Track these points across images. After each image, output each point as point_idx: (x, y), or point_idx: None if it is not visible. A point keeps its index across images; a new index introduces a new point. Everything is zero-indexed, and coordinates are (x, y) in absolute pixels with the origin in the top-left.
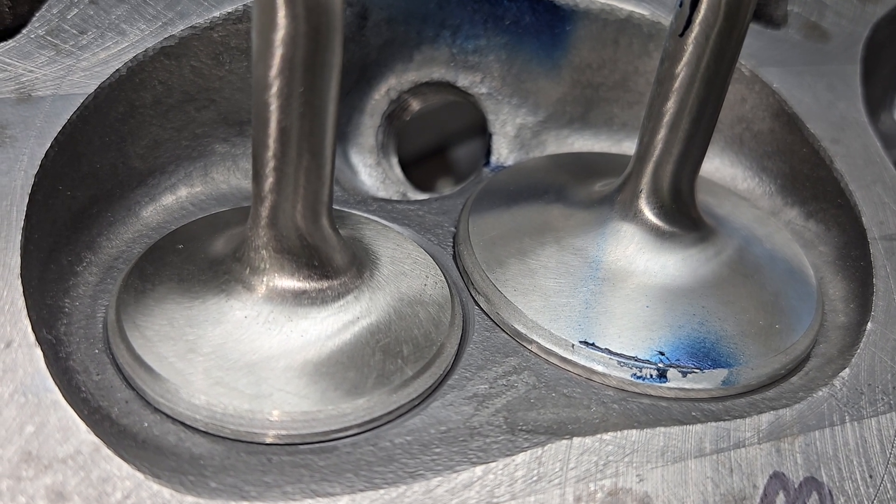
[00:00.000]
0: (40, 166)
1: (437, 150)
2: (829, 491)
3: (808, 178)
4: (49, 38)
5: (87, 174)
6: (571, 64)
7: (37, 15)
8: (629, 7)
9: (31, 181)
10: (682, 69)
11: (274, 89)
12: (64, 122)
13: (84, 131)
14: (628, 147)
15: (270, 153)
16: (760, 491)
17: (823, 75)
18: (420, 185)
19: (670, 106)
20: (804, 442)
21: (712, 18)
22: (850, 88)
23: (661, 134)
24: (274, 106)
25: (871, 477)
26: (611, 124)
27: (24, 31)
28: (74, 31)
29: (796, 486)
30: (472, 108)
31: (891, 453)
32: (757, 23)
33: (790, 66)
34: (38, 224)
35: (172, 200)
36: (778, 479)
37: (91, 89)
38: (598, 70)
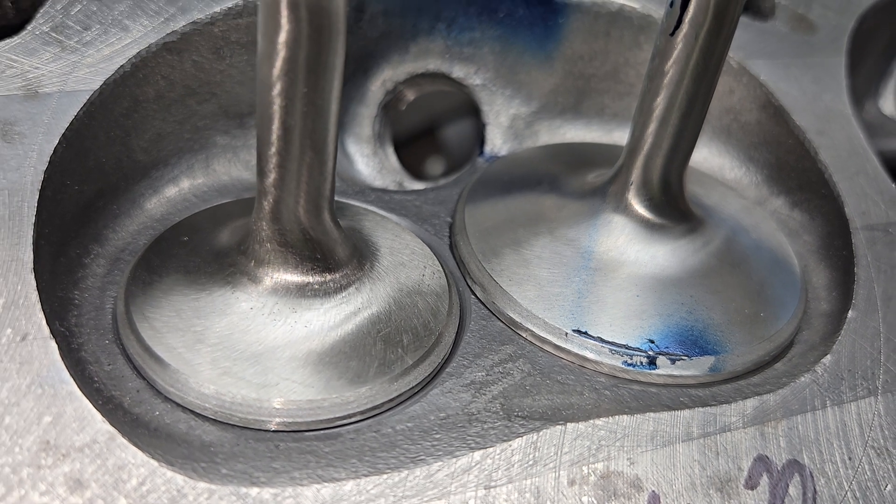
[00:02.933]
0: (49, 162)
1: (426, 131)
2: (811, 473)
3: (793, 168)
4: (53, 34)
5: (94, 168)
6: (564, 55)
7: (40, 11)
8: (620, 0)
9: (41, 177)
10: (671, 66)
11: (278, 89)
12: (71, 118)
13: (90, 127)
14: (619, 136)
15: (274, 150)
16: (745, 473)
17: (810, 67)
18: (410, 166)
19: (660, 102)
20: (787, 426)
21: (701, 18)
22: (836, 81)
23: (652, 128)
24: (277, 105)
25: (850, 459)
26: (602, 114)
27: (28, 28)
28: (78, 28)
29: (779, 469)
30: (456, 86)
31: (869, 436)
32: (745, 15)
33: (777, 59)
34: (48, 219)
35: (175, 192)
36: (762, 461)
37: (96, 85)
38: (589, 61)
